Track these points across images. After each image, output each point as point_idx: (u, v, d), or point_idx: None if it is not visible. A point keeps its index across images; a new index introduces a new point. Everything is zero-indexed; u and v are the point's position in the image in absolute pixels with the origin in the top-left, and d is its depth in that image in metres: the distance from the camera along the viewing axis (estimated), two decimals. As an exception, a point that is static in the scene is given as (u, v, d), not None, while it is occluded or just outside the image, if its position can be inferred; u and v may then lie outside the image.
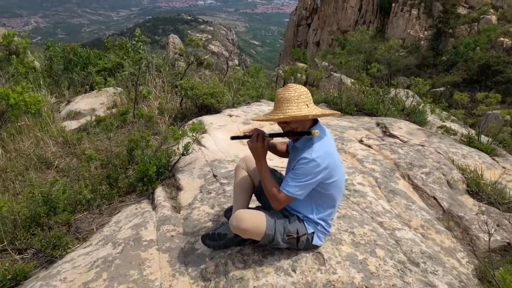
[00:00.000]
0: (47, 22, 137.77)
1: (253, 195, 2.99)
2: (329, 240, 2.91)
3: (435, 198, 4.11)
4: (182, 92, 6.39)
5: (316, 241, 2.73)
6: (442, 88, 35.61)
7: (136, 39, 7.45)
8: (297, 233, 2.65)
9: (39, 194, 3.77)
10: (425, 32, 47.71)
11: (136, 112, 5.41)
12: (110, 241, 3.26)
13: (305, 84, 12.69)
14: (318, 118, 2.70)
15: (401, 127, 6.18)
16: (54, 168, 4.92)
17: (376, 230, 3.12)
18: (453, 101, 8.75)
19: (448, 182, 4.42)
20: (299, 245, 2.69)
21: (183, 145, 4.44)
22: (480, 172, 4.56)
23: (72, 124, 6.37)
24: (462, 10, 46.83)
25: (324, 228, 2.73)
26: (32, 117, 5.68)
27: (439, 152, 5.01)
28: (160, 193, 4.03)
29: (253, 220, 2.55)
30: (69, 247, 3.45)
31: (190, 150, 4.41)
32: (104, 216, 3.97)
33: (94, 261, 3.01)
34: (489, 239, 2.93)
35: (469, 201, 4.20)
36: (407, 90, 9.00)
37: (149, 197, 4.13)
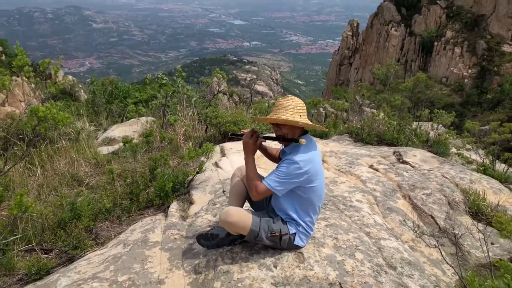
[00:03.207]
0: (100, 63, 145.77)
1: (246, 201, 3.34)
2: (312, 243, 3.18)
3: (432, 217, 4.28)
4: (207, 120, 6.87)
5: (297, 241, 3.02)
6: (486, 127, 34.86)
7: (176, 74, 8.21)
8: (280, 232, 2.96)
9: (66, 203, 4.25)
10: (469, 70, 47.08)
11: (159, 135, 5.92)
12: (122, 243, 3.66)
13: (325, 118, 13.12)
14: (308, 131, 3.08)
15: (416, 155, 6.35)
16: (85, 185, 5.42)
17: (361, 238, 3.36)
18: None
19: (449, 203, 4.57)
20: (281, 243, 2.99)
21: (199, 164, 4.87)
22: (483, 195, 4.68)
23: (106, 149, 6.95)
24: (507, 48, 46.05)
25: (305, 229, 3.03)
26: (69, 141, 6.32)
27: (445, 177, 5.16)
28: (173, 206, 4.42)
29: (239, 215, 2.90)
30: (88, 250, 3.87)
31: (204, 168, 4.81)
32: (123, 226, 4.39)
33: (106, 258, 3.41)
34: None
35: (468, 221, 4.33)
36: (430, 122, 9.11)
37: (165, 210, 4.52)
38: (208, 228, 3.55)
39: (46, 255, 3.88)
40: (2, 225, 3.70)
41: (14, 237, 3.84)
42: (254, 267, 2.93)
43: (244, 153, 3.05)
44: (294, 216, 3.00)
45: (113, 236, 4.15)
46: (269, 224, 2.96)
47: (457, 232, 4.05)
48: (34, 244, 3.93)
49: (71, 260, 3.73)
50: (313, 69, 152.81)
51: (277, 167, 2.96)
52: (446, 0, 54.03)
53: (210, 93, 10.63)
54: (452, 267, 3.33)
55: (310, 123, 3.01)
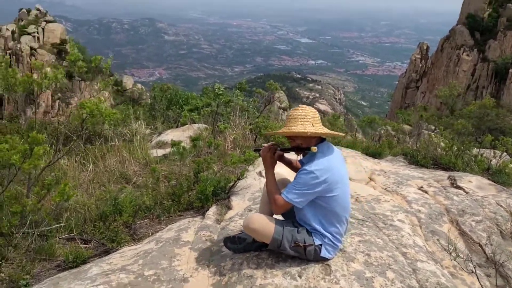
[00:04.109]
0: (169, 74, 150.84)
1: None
2: (341, 256, 3.07)
3: (480, 245, 4.01)
4: (257, 129, 6.90)
5: (324, 253, 2.93)
6: None
7: (237, 86, 8.42)
8: (304, 242, 2.88)
9: (110, 198, 4.40)
10: (547, 101, 44.19)
11: (207, 141, 6.02)
12: (155, 240, 3.73)
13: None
14: (326, 138, 3.02)
15: (472, 181, 6.00)
16: (132, 183, 5.60)
17: (395, 257, 3.20)
18: None
19: (501, 232, 4.27)
20: (306, 254, 2.91)
21: (241, 171, 4.89)
22: (541, 227, 4.34)
23: (158, 152, 7.15)
24: None
25: (331, 241, 2.93)
26: (123, 141, 6.58)
27: (500, 205, 4.84)
28: (212, 210, 4.45)
29: (262, 222, 2.87)
30: (125, 244, 3.97)
31: (245, 175, 4.82)
32: (162, 225, 4.47)
33: (137, 253, 3.49)
34: None
35: (519, 253, 4.02)
36: (494, 149, 8.61)
37: (203, 213, 4.56)
38: (237, 232, 3.53)
39: (84, 245, 4.03)
40: (46, 212, 3.88)
41: (58, 225, 4.03)
42: (278, 275, 2.87)
43: (264, 167, 3.04)
44: (319, 227, 2.92)
45: (150, 234, 4.23)
46: (293, 234, 2.90)
47: (506, 263, 3.77)
48: (75, 233, 4.09)
49: (107, 252, 3.85)
50: (378, 91, 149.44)
51: (294, 178, 2.91)
52: (525, 26, 51.31)
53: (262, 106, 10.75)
54: (495, 298, 3.09)
55: (321, 130, 2.91)
